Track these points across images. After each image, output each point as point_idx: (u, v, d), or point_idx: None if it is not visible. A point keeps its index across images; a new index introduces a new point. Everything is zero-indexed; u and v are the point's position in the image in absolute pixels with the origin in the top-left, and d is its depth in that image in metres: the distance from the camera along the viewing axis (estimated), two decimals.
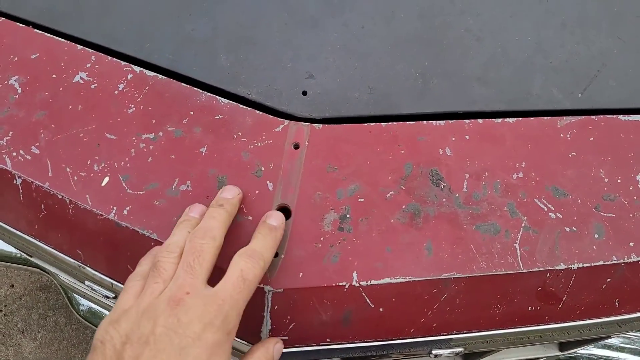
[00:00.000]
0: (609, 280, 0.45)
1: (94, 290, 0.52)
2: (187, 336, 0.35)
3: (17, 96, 0.50)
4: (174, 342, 0.34)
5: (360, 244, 0.44)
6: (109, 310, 0.83)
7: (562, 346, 0.66)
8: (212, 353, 0.35)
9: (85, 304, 0.91)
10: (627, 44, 0.54)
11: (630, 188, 0.47)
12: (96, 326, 0.89)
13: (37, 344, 1.56)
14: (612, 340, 0.82)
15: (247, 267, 0.39)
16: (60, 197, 0.46)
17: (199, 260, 0.38)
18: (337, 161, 0.47)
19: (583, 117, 0.50)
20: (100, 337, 0.36)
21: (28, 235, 0.50)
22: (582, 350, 0.80)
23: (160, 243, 0.44)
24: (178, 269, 0.39)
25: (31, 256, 0.71)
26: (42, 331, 1.58)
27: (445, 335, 0.46)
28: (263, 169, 0.47)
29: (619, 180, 0.47)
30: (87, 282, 0.51)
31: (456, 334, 0.46)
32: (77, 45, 0.53)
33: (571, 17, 0.56)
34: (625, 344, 0.83)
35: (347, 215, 0.45)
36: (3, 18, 0.56)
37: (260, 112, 0.49)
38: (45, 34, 0.54)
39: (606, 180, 0.47)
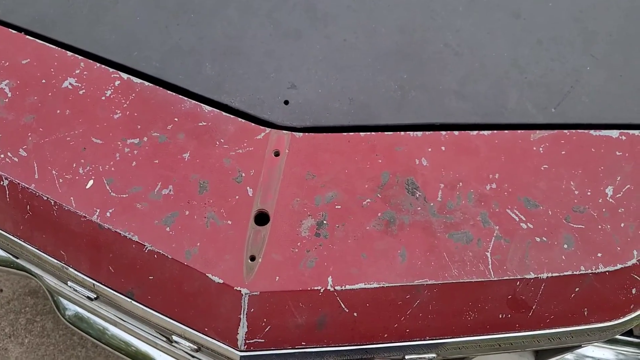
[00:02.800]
0: (577, 289, 0.46)
1: (77, 291, 0.52)
2: None
3: (6, 100, 0.52)
4: None
5: (336, 249, 0.45)
6: (94, 314, 0.83)
7: (538, 355, 0.67)
8: None
9: (72, 308, 0.91)
10: (600, 62, 0.56)
11: (600, 200, 0.48)
12: (83, 331, 0.88)
13: (24, 349, 1.55)
14: (607, 355, 0.82)
15: None
16: (45, 198, 0.47)
17: None
18: (316, 169, 0.49)
19: (556, 131, 0.52)
20: None
21: (13, 235, 0.51)
22: None
23: (141, 245, 0.45)
24: None
25: (17, 258, 0.72)
26: (30, 336, 1.57)
27: (418, 340, 0.47)
28: (244, 175, 0.48)
29: (589, 193, 0.49)
30: (69, 283, 0.52)
31: (429, 339, 0.47)
32: (67, 52, 0.55)
33: (546, 34, 0.58)
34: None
35: (324, 222, 0.46)
36: None
37: (243, 120, 0.51)
38: (37, 40, 0.56)
39: (577, 192, 0.49)
